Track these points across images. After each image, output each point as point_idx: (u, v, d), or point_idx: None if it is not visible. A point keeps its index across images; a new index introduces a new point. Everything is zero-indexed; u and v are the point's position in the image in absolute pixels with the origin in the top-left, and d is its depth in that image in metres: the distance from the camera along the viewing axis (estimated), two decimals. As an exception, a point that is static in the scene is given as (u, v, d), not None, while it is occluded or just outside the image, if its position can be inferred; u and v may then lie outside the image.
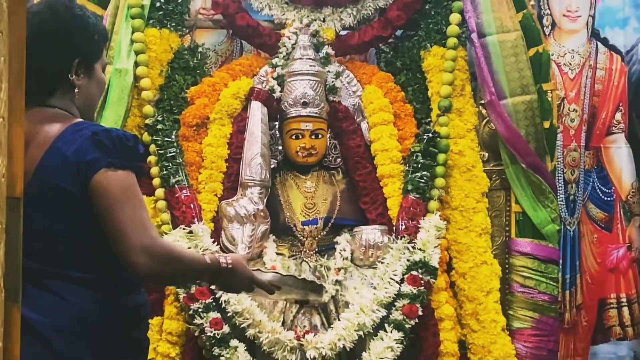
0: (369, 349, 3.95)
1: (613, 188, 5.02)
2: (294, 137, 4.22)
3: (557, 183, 4.65)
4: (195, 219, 4.00)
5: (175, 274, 2.69)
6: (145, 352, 2.80)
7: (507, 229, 4.42)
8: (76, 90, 2.65)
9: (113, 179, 2.51)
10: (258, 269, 2.89)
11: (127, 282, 2.65)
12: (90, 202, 2.50)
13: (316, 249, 4.20)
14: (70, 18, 2.67)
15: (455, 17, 4.33)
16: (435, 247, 4.07)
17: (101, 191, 2.50)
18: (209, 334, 3.86)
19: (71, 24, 2.67)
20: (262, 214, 4.09)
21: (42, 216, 2.43)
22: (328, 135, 4.28)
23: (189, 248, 3.87)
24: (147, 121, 4.14)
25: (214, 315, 3.88)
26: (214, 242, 3.98)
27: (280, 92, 4.25)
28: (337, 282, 4.09)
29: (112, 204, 2.49)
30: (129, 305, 2.68)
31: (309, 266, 4.16)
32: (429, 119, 4.31)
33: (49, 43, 2.61)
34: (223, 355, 3.86)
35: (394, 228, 4.13)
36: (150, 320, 3.96)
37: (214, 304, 3.91)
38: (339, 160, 4.36)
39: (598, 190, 5.02)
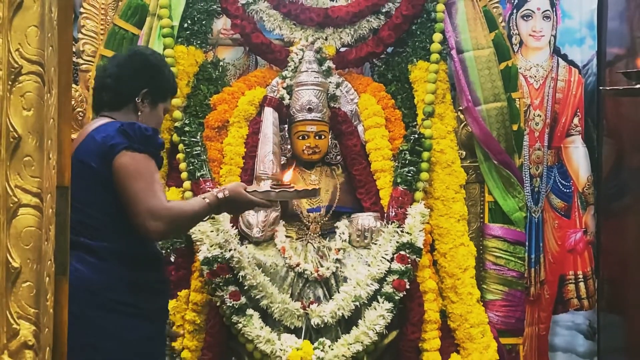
0: (364, 317, 3.94)
1: (571, 181, 5.01)
2: (300, 137, 4.21)
3: (524, 177, 4.64)
4: (217, 207, 4.00)
5: (184, 225, 2.87)
6: (158, 319, 2.87)
7: (482, 215, 4.41)
8: (139, 113, 2.88)
9: (131, 158, 2.66)
10: (255, 190, 2.91)
11: (138, 258, 2.73)
12: (112, 179, 2.65)
13: (319, 233, 4.20)
14: (151, 59, 3.00)
15: (437, 36, 4.33)
16: (420, 231, 4.06)
17: (121, 168, 2.64)
18: (228, 304, 3.86)
19: (150, 63, 2.96)
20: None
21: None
22: (329, 136, 4.28)
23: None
24: (176, 124, 4.14)
25: (233, 288, 3.88)
26: (232, 226, 3.97)
27: (289, 99, 4.25)
28: (337, 260, 4.08)
29: (129, 177, 2.64)
30: (136, 279, 2.73)
31: (313, 247, 4.16)
32: (415, 123, 4.31)
33: (130, 71, 2.90)
34: (240, 322, 3.86)
35: (385, 215, 4.12)
36: (178, 293, 4.00)
37: (233, 279, 3.90)
38: (338, 157, 4.35)
39: (559, 183, 5.01)
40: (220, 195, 2.81)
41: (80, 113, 4.13)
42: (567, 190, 5.00)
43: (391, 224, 4.06)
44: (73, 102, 3.85)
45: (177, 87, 3.24)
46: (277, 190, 2.96)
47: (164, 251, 3.91)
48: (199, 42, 4.26)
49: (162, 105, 3.00)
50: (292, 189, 3.01)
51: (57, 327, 1.77)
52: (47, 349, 1.70)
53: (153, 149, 2.76)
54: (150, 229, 2.62)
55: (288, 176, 3.10)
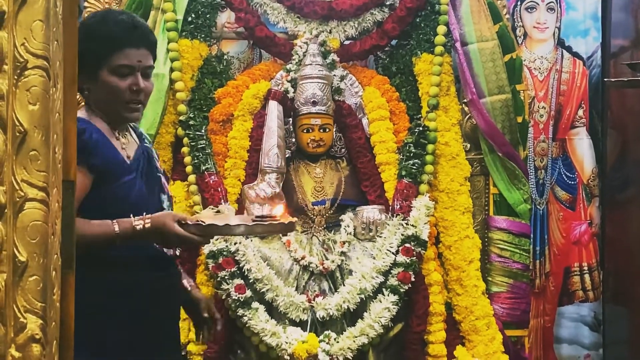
0: (369, 309, 3.95)
1: (576, 173, 5.00)
2: (305, 130, 4.21)
3: (529, 169, 4.63)
4: (222, 200, 4.00)
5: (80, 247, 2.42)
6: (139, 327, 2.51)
7: (486, 208, 4.41)
8: (85, 93, 2.54)
9: None
10: (185, 223, 2.41)
11: (103, 260, 2.44)
12: None
13: (324, 226, 4.20)
14: (81, 25, 2.48)
15: (441, 29, 4.32)
16: (425, 223, 4.07)
17: None
18: (233, 297, 3.87)
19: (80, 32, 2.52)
20: (278, 195, 4.09)
21: None
22: (334, 129, 4.28)
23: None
24: (181, 118, 4.14)
25: (238, 281, 3.89)
26: (238, 219, 3.98)
27: (294, 93, 4.25)
28: (342, 253, 4.08)
29: None
30: (103, 283, 2.44)
31: (318, 240, 4.16)
32: (420, 115, 4.31)
33: None
34: (246, 316, 3.87)
35: (390, 207, 4.13)
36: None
37: (238, 272, 3.91)
38: (343, 150, 4.35)
39: (563, 175, 5.00)
40: (139, 226, 2.39)
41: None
42: (572, 182, 4.99)
43: (396, 217, 4.06)
44: (78, 97, 3.85)
45: (123, 33, 2.52)
46: (205, 223, 2.43)
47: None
48: (203, 35, 4.26)
49: (105, 70, 2.50)
50: (267, 223, 2.48)
51: (64, 320, 1.77)
52: (54, 342, 1.70)
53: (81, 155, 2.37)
54: None
55: (279, 210, 2.55)
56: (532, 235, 4.61)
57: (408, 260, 3.99)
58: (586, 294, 5.00)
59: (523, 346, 4.39)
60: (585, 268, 4.99)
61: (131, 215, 2.42)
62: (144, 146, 2.64)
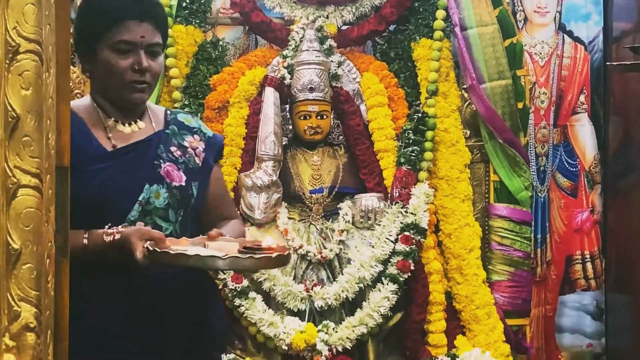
0: (368, 299, 3.96)
1: (578, 160, 5.00)
2: (302, 117, 4.21)
3: (529, 156, 4.63)
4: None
5: None
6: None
7: (487, 195, 4.41)
8: (88, 75, 2.43)
9: None
10: (153, 249, 2.13)
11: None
12: None
13: (322, 214, 4.21)
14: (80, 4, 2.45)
15: (440, 13, 4.32)
16: (424, 211, 4.08)
17: None
18: (230, 287, 3.88)
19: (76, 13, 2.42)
20: (275, 184, 4.09)
21: None
22: (332, 116, 4.28)
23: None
24: (175, 105, 4.14)
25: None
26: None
27: (290, 79, 4.24)
28: (340, 241, 4.09)
29: None
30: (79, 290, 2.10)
31: (316, 228, 4.17)
32: (419, 101, 4.31)
33: None
34: (243, 305, 3.87)
35: (389, 195, 4.13)
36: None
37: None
38: (341, 137, 4.35)
39: (565, 162, 5.00)
40: (108, 238, 2.21)
41: (79, 95, 4.13)
42: (574, 169, 5.00)
43: (395, 205, 4.07)
44: (71, 84, 3.85)
45: (119, 8, 2.34)
46: (173, 252, 2.14)
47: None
48: (197, 21, 4.26)
49: (103, 47, 2.34)
50: (258, 256, 2.14)
51: (58, 309, 1.77)
52: (48, 331, 1.70)
53: None
54: None
55: (267, 241, 2.25)
56: (533, 223, 4.62)
57: (407, 249, 3.99)
58: (588, 283, 5.00)
59: (524, 335, 4.40)
60: (587, 256, 5.00)
61: (101, 218, 2.25)
62: (162, 133, 2.47)
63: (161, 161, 2.43)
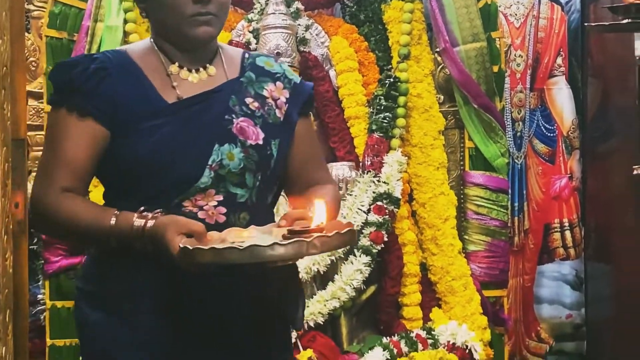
0: (340, 272, 3.97)
1: (555, 125, 5.04)
2: (269, 84, 4.20)
3: (506, 121, 4.66)
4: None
5: (63, 234, 2.25)
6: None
7: (462, 163, 4.44)
8: (143, 14, 2.22)
9: (48, 118, 2.16)
10: (194, 247, 1.86)
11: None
12: None
13: (291, 185, 4.21)
14: None
15: (412, -27, 4.32)
16: (397, 180, 4.09)
17: None
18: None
19: None
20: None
21: None
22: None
23: None
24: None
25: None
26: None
27: (256, 44, 4.23)
28: (311, 213, 4.10)
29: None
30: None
31: (285, 199, 4.17)
32: (390, 66, 4.31)
33: None
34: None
35: (361, 164, 4.14)
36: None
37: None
38: (310, 104, 4.35)
39: (542, 127, 5.04)
40: (138, 224, 1.98)
41: (34, 63, 4.10)
42: (551, 135, 5.03)
43: (367, 174, 4.08)
44: (26, 52, 3.82)
45: None
46: (220, 247, 1.84)
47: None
48: (157, -16, 4.22)
49: None
50: (309, 239, 1.84)
51: (18, 288, 1.77)
52: (7, 311, 1.71)
53: (68, 95, 2.07)
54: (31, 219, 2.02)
55: (320, 217, 1.93)
56: (510, 191, 4.65)
57: (380, 219, 4.01)
58: (567, 252, 5.06)
59: (502, 307, 4.44)
60: (566, 224, 5.05)
61: (146, 180, 2.04)
62: (236, 82, 2.21)
63: (233, 116, 2.15)
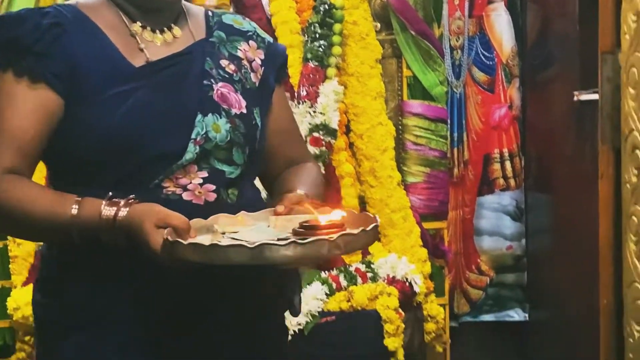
0: (276, 206, 3.98)
1: (494, 52, 5.06)
2: (198, 12, 4.16)
3: (444, 49, 4.68)
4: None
5: (5, 225, 1.85)
6: None
7: (400, 92, 4.46)
8: None
9: None
10: (174, 240, 1.61)
11: None
12: None
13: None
14: None
15: None
16: (334, 110, 4.10)
17: None
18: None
19: None
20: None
21: None
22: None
23: None
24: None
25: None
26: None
27: (184, -30, 4.17)
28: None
29: None
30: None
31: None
32: (325, -8, 4.29)
33: None
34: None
35: (296, 94, 4.14)
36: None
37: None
38: (242, 33, 4.32)
39: (481, 55, 5.06)
40: (108, 213, 1.70)
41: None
42: (490, 63, 5.06)
43: (302, 104, 4.08)
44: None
45: None
46: (206, 244, 1.61)
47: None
48: None
49: None
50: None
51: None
52: None
53: (14, 56, 1.80)
54: None
55: (334, 214, 1.69)
56: (449, 121, 4.69)
57: (317, 151, 4.02)
58: (507, 182, 5.12)
59: (442, 239, 4.51)
60: (506, 154, 5.10)
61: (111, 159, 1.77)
62: (206, 43, 1.97)
63: (212, 81, 1.90)
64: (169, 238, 1.60)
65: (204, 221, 1.73)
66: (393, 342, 3.91)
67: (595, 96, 3.76)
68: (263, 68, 2.01)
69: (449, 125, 4.69)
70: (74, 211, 1.71)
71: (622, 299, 2.34)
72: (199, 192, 1.83)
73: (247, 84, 1.96)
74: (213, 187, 1.84)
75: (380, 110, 4.30)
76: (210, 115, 1.85)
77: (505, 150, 5.10)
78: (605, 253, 2.39)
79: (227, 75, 1.93)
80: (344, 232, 1.59)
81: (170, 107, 1.83)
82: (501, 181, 5.11)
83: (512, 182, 5.12)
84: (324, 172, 4.03)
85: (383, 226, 4.28)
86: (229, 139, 1.86)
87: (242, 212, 1.78)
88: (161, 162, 1.80)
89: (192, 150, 1.81)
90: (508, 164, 5.10)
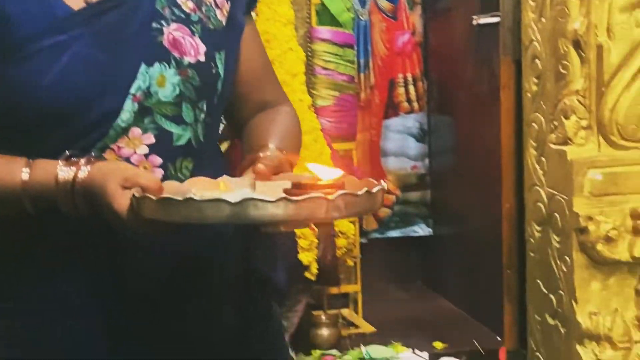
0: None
1: (397, -19, 5.16)
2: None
3: (349, -23, 4.75)
4: None
5: None
6: None
7: (308, 19, 4.53)
8: None
9: None
10: (142, 196, 1.33)
11: None
12: None
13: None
14: None
15: None
16: (246, 36, 4.14)
17: None
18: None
19: None
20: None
21: None
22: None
23: None
24: None
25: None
26: None
27: None
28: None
29: None
30: None
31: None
32: None
33: None
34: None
35: (208, 21, 4.17)
36: None
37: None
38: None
39: (385, -17, 5.15)
40: (65, 175, 1.41)
41: None
42: (394, -9, 5.15)
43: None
44: None
45: None
46: (179, 198, 1.28)
47: None
48: None
49: None
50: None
51: None
52: None
53: None
54: None
55: (333, 172, 1.38)
56: (356, 47, 4.79)
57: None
58: (411, 105, 5.26)
59: (351, 159, 4.62)
60: (410, 79, 5.23)
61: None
62: None
63: (163, 22, 1.55)
64: (136, 194, 1.34)
65: (178, 185, 1.45)
66: (307, 257, 4.03)
67: (494, 19, 3.92)
68: (229, 3, 1.65)
69: (356, 51, 4.79)
70: (25, 176, 1.42)
71: (524, 202, 2.46)
72: (145, 167, 1.51)
73: (209, 23, 1.60)
74: (159, 160, 1.53)
75: (290, 36, 4.37)
76: (157, 64, 1.52)
77: (409, 75, 5.23)
78: (508, 159, 2.52)
79: (183, 15, 1.57)
80: (344, 191, 1.29)
81: (111, 59, 1.49)
82: (405, 104, 5.25)
83: (415, 105, 5.26)
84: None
85: (295, 148, 4.36)
86: (177, 93, 1.53)
87: (224, 176, 1.48)
88: (96, 127, 1.48)
89: (129, 109, 1.49)
90: (412, 88, 5.24)
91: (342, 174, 1.37)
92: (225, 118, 1.77)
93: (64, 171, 1.40)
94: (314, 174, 1.36)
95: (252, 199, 1.25)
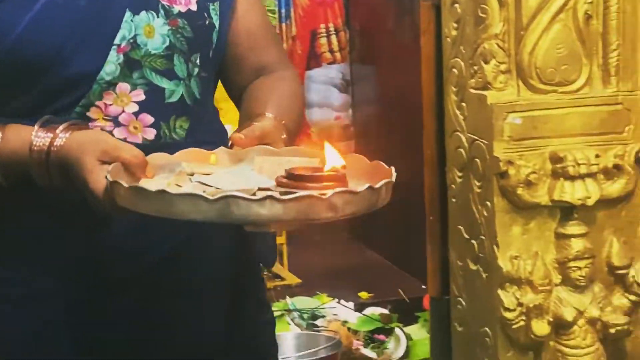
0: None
1: None
2: None
3: None
4: None
5: None
6: None
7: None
8: None
9: None
10: (113, 181, 1.17)
11: None
12: None
13: None
14: None
15: None
16: None
17: None
18: None
19: None
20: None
21: None
22: None
23: None
24: None
25: None
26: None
27: None
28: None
29: None
30: None
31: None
32: None
33: None
34: None
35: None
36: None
37: None
38: None
39: None
40: (40, 142, 1.26)
41: None
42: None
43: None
44: None
45: None
46: (174, 192, 1.12)
47: None
48: None
49: None
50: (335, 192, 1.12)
51: None
52: None
53: None
54: None
55: (334, 159, 1.23)
56: (276, -1, 4.73)
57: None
58: (334, 56, 5.23)
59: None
60: (332, 29, 5.19)
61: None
62: None
63: None
64: (108, 177, 1.17)
65: (168, 157, 1.28)
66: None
67: (415, -33, 3.87)
68: None
69: (277, 1, 4.72)
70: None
71: (445, 149, 2.44)
72: (134, 128, 1.37)
73: None
74: (151, 119, 1.39)
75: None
76: (143, 13, 1.37)
77: (331, 25, 5.19)
78: (428, 106, 2.48)
79: None
80: (341, 188, 1.13)
81: (92, 5, 1.33)
82: (328, 55, 5.22)
83: (338, 55, 5.23)
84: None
85: (217, 100, 4.31)
86: (166, 44, 1.39)
87: (221, 147, 1.33)
88: (81, 83, 1.34)
89: (113, 60, 1.35)
90: (334, 38, 5.20)
91: (343, 163, 1.21)
92: (222, 84, 1.64)
93: (39, 137, 1.25)
94: (323, 156, 1.21)
95: (233, 196, 1.09)
